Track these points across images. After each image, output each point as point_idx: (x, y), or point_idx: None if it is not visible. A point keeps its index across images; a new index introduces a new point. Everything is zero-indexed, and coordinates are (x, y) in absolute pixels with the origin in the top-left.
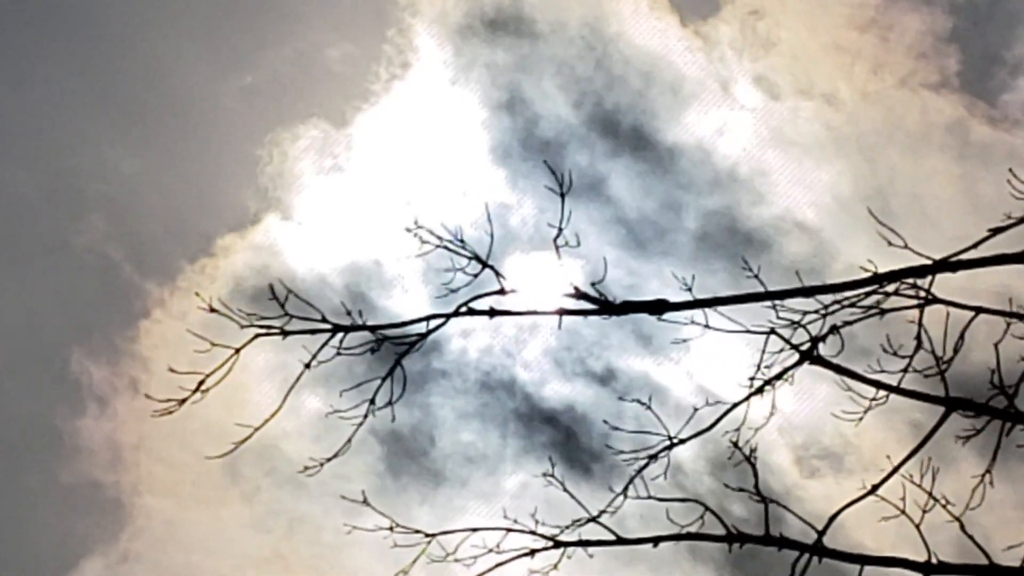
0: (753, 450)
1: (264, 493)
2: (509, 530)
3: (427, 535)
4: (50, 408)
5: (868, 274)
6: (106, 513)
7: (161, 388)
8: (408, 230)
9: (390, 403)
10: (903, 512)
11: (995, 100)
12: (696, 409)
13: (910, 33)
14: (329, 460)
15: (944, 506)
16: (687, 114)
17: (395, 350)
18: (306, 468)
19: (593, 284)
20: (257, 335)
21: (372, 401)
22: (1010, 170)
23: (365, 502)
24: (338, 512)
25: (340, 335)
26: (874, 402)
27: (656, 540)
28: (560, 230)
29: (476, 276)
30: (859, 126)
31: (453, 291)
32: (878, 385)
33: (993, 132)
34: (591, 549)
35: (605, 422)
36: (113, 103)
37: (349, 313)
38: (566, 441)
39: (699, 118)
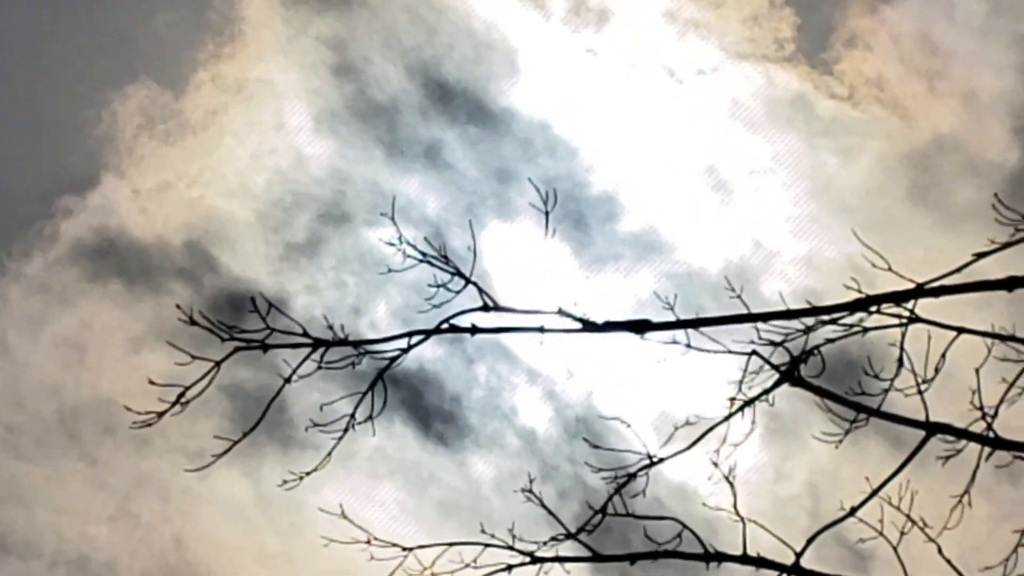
0: (732, 469)
1: (105, 451)
2: (487, 545)
3: (404, 548)
4: None
5: (854, 297)
6: None
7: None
8: (391, 244)
9: (370, 417)
10: (880, 534)
11: (832, 71)
12: (676, 428)
13: (746, 2)
14: (308, 474)
15: (922, 528)
16: (521, 83)
17: (376, 365)
18: (285, 482)
19: (575, 304)
20: (237, 348)
21: (352, 415)
22: (995, 195)
23: (343, 516)
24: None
25: (321, 350)
26: (854, 425)
27: (633, 558)
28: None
29: (459, 292)
30: (698, 100)
31: (436, 306)
32: (858, 408)
33: (837, 105)
34: (568, 565)
35: (585, 439)
36: None
37: (331, 327)
38: (415, 402)
39: (534, 87)
